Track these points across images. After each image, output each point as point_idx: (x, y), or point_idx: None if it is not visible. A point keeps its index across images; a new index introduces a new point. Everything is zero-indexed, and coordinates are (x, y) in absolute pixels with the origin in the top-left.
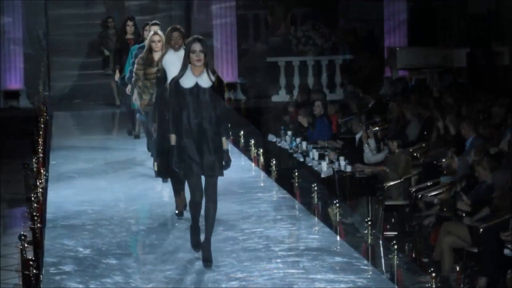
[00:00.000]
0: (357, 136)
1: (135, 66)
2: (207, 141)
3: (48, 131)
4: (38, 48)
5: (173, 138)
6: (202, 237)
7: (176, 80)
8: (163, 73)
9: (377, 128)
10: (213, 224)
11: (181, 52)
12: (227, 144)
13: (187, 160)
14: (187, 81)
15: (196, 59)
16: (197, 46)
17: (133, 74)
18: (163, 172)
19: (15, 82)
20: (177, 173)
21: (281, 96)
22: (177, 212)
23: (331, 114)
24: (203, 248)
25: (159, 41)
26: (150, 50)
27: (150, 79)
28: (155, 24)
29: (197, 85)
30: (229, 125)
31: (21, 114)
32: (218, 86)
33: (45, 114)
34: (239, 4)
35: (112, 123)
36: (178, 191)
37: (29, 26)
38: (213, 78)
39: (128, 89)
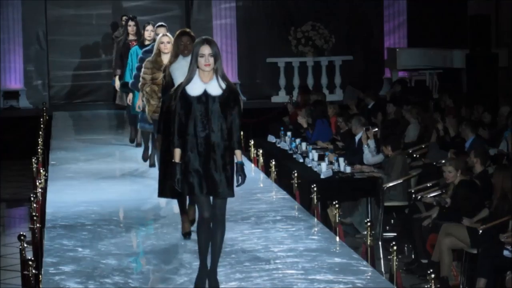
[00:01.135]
0: (357, 137)
1: (143, 70)
2: (216, 157)
3: (48, 131)
4: (38, 48)
5: (177, 153)
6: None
7: (182, 88)
8: (170, 79)
9: (376, 129)
10: (220, 250)
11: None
12: (241, 157)
13: (191, 179)
14: (195, 88)
15: (205, 64)
16: (206, 49)
17: (140, 79)
18: (167, 191)
19: (15, 82)
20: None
21: (280, 97)
22: (183, 233)
23: (331, 115)
24: (209, 278)
25: (168, 42)
26: (159, 52)
27: (158, 83)
28: (162, 26)
29: (205, 93)
30: (241, 136)
31: (21, 114)
32: (230, 93)
33: (45, 114)
34: (239, 5)
35: (112, 123)
36: (184, 209)
37: (29, 26)
38: (223, 85)
39: (130, 98)
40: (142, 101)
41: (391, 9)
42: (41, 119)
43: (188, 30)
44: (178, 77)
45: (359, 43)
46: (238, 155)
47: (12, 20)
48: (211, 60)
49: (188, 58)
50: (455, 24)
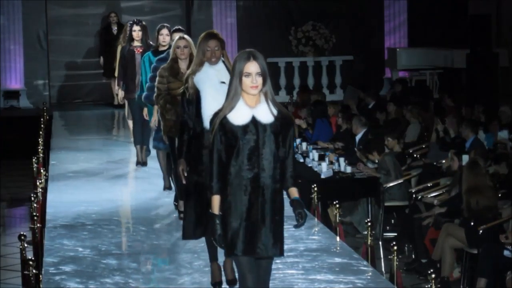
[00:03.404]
0: (357, 137)
1: (157, 79)
2: (265, 204)
3: (48, 131)
4: (38, 48)
5: (216, 202)
6: None
7: (224, 116)
8: (193, 92)
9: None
10: None
11: (219, 66)
12: (297, 192)
13: (233, 234)
14: (240, 116)
15: (252, 85)
16: (252, 67)
17: (155, 89)
18: (191, 232)
19: (15, 82)
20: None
21: (281, 97)
22: (213, 282)
23: (331, 115)
24: None
25: (185, 46)
26: (176, 58)
27: (175, 94)
28: (178, 30)
29: (254, 121)
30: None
31: (21, 114)
32: (283, 120)
33: (45, 114)
34: (240, 5)
35: (112, 123)
36: (215, 256)
37: (29, 26)
38: (275, 111)
39: (145, 113)
40: (158, 116)
41: (391, 9)
42: (42, 119)
43: (215, 32)
44: (205, 89)
45: (359, 43)
46: (294, 191)
47: (12, 20)
48: (259, 80)
49: (217, 66)
50: (455, 23)
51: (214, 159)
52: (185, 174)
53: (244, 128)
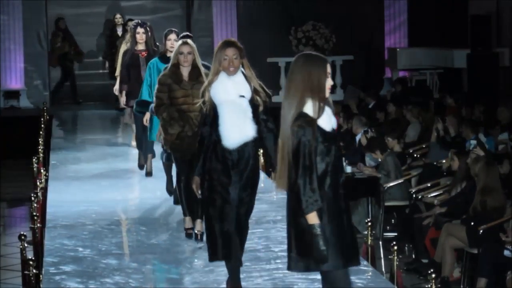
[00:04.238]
0: (357, 137)
1: (157, 87)
2: (348, 212)
3: (49, 131)
4: (38, 47)
5: (314, 217)
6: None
7: (314, 121)
8: (210, 107)
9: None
10: None
11: (238, 78)
12: None
13: (338, 245)
14: (327, 120)
15: (329, 87)
16: (329, 68)
17: (154, 98)
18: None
19: (15, 82)
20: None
21: (281, 97)
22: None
23: None
24: None
25: (189, 53)
26: (177, 64)
27: (177, 104)
28: (187, 36)
29: (333, 127)
30: None
31: (22, 113)
32: None
33: (45, 114)
34: (240, 5)
35: (112, 123)
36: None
37: (29, 26)
38: None
39: (146, 118)
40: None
41: (392, 9)
42: (42, 119)
43: (233, 40)
44: (222, 104)
45: (359, 43)
46: None
47: (12, 20)
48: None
49: (235, 78)
50: (456, 23)
51: (314, 168)
52: (199, 192)
53: (332, 133)
